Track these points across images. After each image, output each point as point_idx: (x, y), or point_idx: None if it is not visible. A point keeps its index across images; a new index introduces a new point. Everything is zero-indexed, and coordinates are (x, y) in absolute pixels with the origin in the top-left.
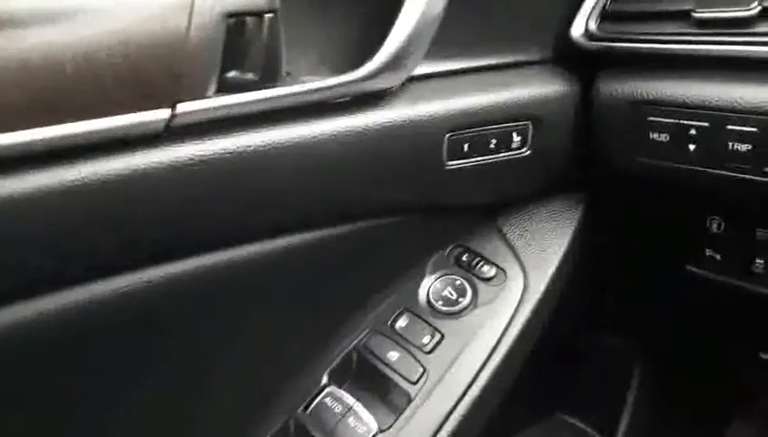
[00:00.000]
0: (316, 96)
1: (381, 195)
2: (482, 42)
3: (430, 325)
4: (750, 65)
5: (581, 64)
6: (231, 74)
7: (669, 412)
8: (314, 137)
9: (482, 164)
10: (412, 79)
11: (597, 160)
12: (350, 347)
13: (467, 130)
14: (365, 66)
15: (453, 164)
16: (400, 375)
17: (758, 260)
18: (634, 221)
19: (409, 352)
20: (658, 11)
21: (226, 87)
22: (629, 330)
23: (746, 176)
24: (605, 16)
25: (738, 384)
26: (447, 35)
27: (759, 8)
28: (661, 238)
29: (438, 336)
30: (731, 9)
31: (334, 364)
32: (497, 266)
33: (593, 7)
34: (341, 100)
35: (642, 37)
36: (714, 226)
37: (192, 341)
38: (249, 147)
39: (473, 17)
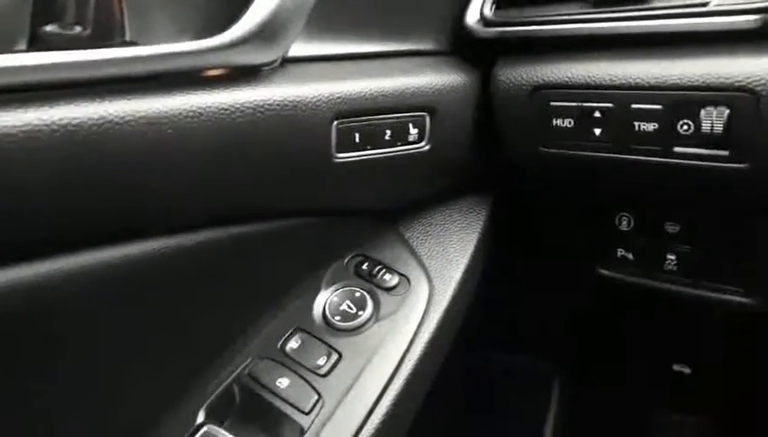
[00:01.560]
0: (166, 65)
1: (262, 191)
2: (374, 28)
3: (326, 344)
4: (649, 40)
5: (479, 52)
6: (48, 28)
7: (590, 427)
8: (173, 113)
9: (377, 158)
10: (295, 61)
11: (500, 154)
12: (233, 376)
13: (356, 118)
14: (226, 32)
15: (343, 156)
16: (291, 405)
17: (669, 256)
18: (543, 222)
19: (302, 377)
20: None
21: (42, 44)
22: (545, 344)
23: (655, 158)
24: (500, 2)
25: (656, 395)
26: (335, 17)
27: None
28: (570, 240)
29: (335, 356)
30: None
31: (213, 397)
32: (399, 273)
33: None
34: (209, 74)
35: (539, 20)
36: (624, 223)
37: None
38: (82, 121)
39: (365, 2)
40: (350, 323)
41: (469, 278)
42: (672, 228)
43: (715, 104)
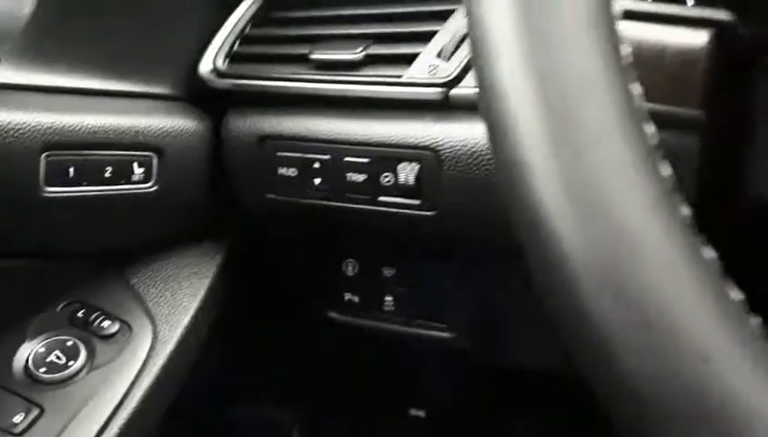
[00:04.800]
0: None
1: None
2: (103, 66)
3: (25, 399)
4: (358, 102)
5: (211, 100)
6: None
7: None
8: None
9: (95, 195)
10: (3, 88)
11: (229, 200)
12: None
13: (70, 152)
14: None
15: (54, 191)
16: None
17: (387, 298)
18: (276, 269)
19: None
20: (281, 53)
21: None
22: (285, 392)
23: (364, 206)
24: (234, 56)
25: None
26: (58, 49)
27: (364, 54)
28: (303, 286)
29: (35, 411)
30: (341, 53)
31: None
32: (121, 320)
33: (221, 47)
34: None
35: (268, 76)
36: (350, 268)
37: None
38: None
39: (95, 39)
40: (57, 375)
41: (198, 323)
42: (388, 271)
43: (409, 160)
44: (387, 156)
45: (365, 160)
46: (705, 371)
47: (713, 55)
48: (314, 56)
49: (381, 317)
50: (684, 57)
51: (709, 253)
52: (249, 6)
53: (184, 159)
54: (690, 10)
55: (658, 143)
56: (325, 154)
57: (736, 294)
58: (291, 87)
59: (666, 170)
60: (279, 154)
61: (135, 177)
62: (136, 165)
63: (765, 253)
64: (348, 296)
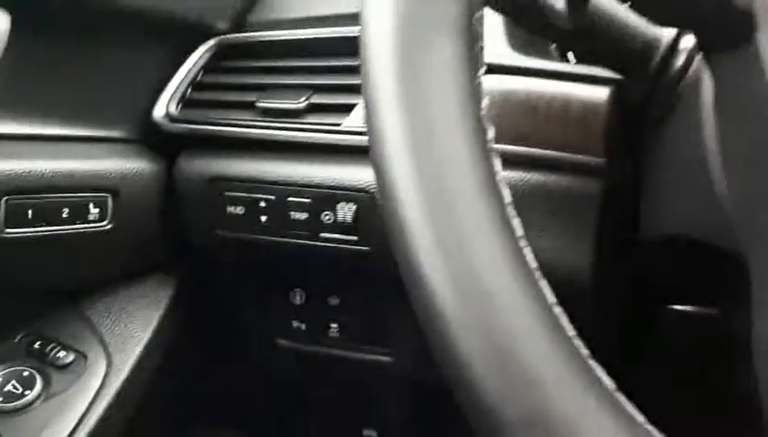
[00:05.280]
0: None
1: None
2: (62, 113)
3: None
4: (302, 147)
5: (165, 143)
6: None
7: None
8: None
9: (53, 234)
10: None
11: (181, 236)
12: None
13: (29, 195)
14: None
15: (13, 232)
16: None
17: (332, 325)
18: (227, 299)
19: None
20: (230, 100)
21: None
22: (243, 418)
23: (306, 242)
24: (186, 102)
25: None
26: (17, 97)
27: (307, 103)
28: (252, 315)
29: None
30: (286, 101)
31: None
32: (76, 351)
33: (174, 93)
34: None
35: (218, 122)
36: (297, 298)
37: None
38: None
39: (53, 87)
40: (14, 404)
41: (151, 352)
42: (333, 301)
43: (347, 200)
44: (327, 196)
45: (307, 200)
46: (542, 395)
47: (613, 109)
48: (261, 104)
49: (327, 343)
50: (587, 110)
51: (552, 298)
52: (202, 55)
53: (138, 199)
54: (583, 68)
55: (511, 202)
56: (270, 194)
57: (572, 329)
58: (239, 132)
59: (519, 229)
60: (228, 193)
61: (91, 217)
62: (92, 205)
63: (670, 278)
64: (295, 323)
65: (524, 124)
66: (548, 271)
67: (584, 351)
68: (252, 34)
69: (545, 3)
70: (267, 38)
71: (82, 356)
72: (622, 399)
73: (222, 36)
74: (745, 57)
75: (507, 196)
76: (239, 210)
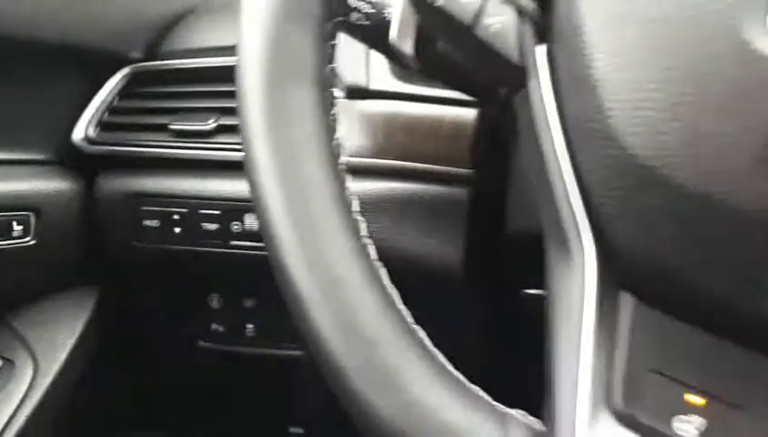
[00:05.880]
0: None
1: None
2: None
3: None
4: (211, 164)
5: (84, 164)
6: None
7: None
8: None
9: None
10: None
11: (102, 249)
12: None
13: None
14: None
15: None
16: None
17: (248, 325)
18: (148, 307)
19: None
20: (145, 123)
21: None
22: (164, 420)
23: (217, 249)
24: (103, 125)
25: None
26: None
27: (215, 124)
28: (173, 319)
29: None
30: (196, 124)
31: None
32: (4, 358)
33: (92, 117)
34: None
35: (133, 143)
36: (215, 302)
37: None
38: None
39: None
40: None
41: (76, 357)
42: (249, 303)
43: (253, 211)
44: (235, 208)
45: (217, 212)
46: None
47: (479, 127)
48: (173, 126)
49: (244, 342)
50: (457, 128)
51: (387, 280)
52: (117, 82)
53: (59, 216)
54: (455, 93)
55: (359, 210)
56: (183, 207)
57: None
58: (154, 153)
59: (363, 229)
60: (144, 208)
61: (14, 234)
62: (15, 223)
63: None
64: (214, 326)
65: (404, 142)
66: (425, 263)
67: (410, 319)
68: (164, 62)
69: (396, 49)
70: (178, 66)
71: (10, 363)
72: (436, 350)
73: (136, 64)
74: (524, 98)
75: (355, 205)
76: (155, 223)
